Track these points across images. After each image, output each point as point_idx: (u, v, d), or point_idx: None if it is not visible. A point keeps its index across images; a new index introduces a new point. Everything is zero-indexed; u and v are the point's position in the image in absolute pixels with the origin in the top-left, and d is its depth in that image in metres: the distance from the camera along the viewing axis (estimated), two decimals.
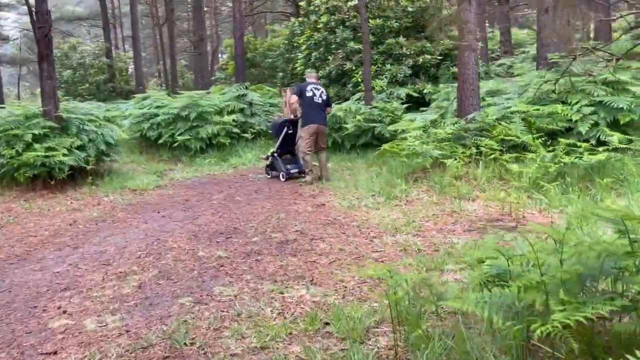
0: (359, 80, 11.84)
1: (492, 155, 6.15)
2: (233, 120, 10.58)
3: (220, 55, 46.70)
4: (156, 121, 10.59)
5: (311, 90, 7.83)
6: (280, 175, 8.21)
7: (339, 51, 12.28)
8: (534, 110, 6.63)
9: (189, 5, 40.16)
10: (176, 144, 10.14)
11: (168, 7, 19.69)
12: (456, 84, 10.64)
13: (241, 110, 11.23)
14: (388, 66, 11.78)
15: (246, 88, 12.02)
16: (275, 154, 8.32)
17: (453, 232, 4.73)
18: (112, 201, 7.15)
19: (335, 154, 9.84)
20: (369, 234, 4.90)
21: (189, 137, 10.13)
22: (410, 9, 11.95)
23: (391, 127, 8.31)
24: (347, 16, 12.30)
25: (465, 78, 7.47)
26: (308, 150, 7.77)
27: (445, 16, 7.95)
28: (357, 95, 11.08)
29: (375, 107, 10.03)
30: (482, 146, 6.45)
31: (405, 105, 10.15)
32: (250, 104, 11.49)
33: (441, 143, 6.65)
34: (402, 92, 10.72)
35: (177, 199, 7.22)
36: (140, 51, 15.36)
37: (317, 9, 13.32)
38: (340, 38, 12.13)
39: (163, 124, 10.50)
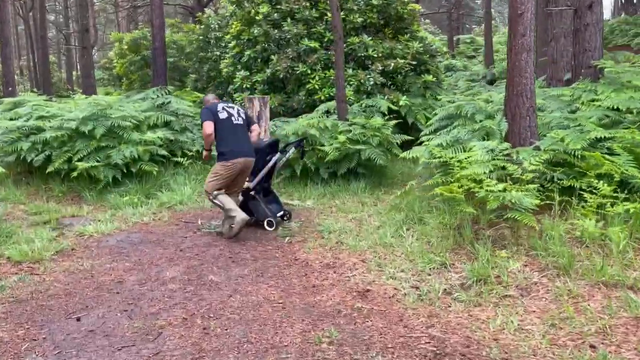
0: (316, 87, 9.46)
1: (618, 206, 4.12)
2: (159, 137, 7.59)
3: (94, 52, 41.33)
4: (41, 139, 7.26)
5: (224, 109, 5.44)
6: (266, 223, 5.59)
7: (288, 50, 9.77)
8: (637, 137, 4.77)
9: None
10: (75, 173, 6.92)
11: None
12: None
13: (167, 124, 8.25)
14: (350, 71, 9.53)
15: (168, 93, 9.02)
16: (253, 192, 5.66)
17: None
18: None
19: (309, 185, 7.33)
20: None
21: (96, 163, 6.97)
22: (374, 2, 9.80)
23: (413, 154, 6.02)
24: (297, 7, 9.82)
25: (520, 90, 5.43)
26: (215, 190, 5.35)
27: None
28: (322, 107, 8.66)
29: (354, 124, 7.71)
30: (582, 189, 4.42)
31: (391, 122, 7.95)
32: (177, 115, 8.54)
33: (523, 185, 4.51)
34: (382, 104, 8.52)
35: (102, 281, 4.28)
36: (9, 40, 11.29)
37: None
38: (291, 34, 9.61)
39: (54, 144, 7.21)
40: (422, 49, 9.98)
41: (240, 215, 5.23)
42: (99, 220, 5.95)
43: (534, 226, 4.11)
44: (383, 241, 4.97)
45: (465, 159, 4.93)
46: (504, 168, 4.81)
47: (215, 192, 5.30)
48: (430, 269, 4.22)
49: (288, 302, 3.79)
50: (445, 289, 3.84)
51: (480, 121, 6.41)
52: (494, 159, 4.84)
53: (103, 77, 25.41)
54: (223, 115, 5.38)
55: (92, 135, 7.20)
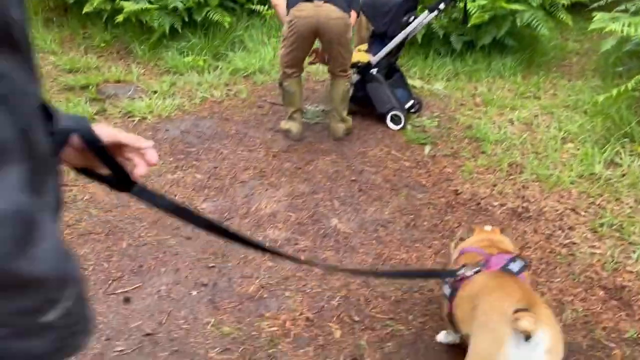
0: None
1: None
2: None
3: None
4: None
5: None
6: (389, 118, 3.79)
7: None
8: None
9: None
10: (121, 17, 5.07)
11: None
12: None
13: None
14: None
15: None
16: (375, 70, 3.75)
17: None
18: None
19: (431, 57, 5.27)
20: None
21: (148, 4, 5.07)
22: None
23: (609, 26, 3.82)
24: None
25: None
26: (287, 68, 3.38)
27: None
28: None
29: None
30: None
31: None
32: None
33: None
34: None
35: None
36: None
37: None
38: None
39: None
40: None
41: (294, 132, 3.52)
42: (154, 92, 4.24)
43: None
44: (590, 172, 3.14)
45: None
46: None
47: (287, 79, 3.40)
48: None
49: None
50: None
51: None
52: None
53: None
54: None
55: None
